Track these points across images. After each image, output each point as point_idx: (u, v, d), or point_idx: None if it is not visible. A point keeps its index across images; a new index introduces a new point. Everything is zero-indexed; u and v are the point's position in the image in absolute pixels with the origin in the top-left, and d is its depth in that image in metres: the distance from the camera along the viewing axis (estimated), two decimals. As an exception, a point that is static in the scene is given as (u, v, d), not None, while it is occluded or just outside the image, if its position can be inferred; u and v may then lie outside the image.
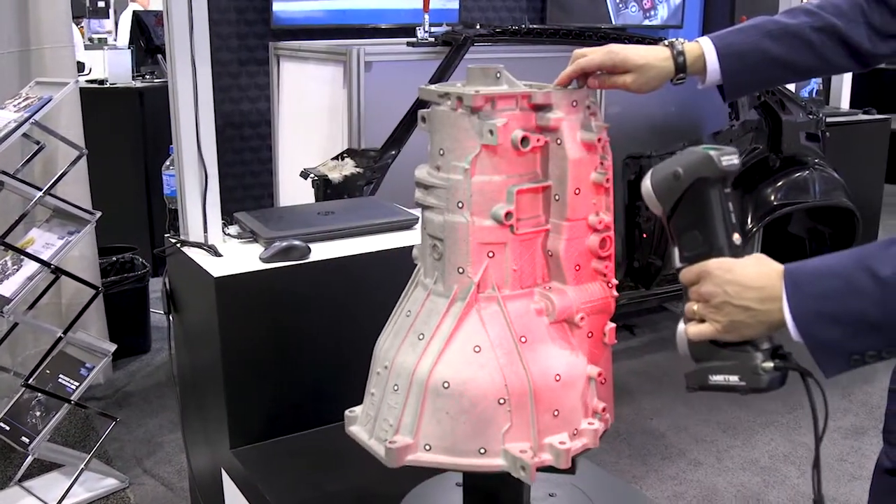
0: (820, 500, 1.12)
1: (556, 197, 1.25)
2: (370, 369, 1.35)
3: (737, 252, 1.15)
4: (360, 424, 1.35)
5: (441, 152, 1.27)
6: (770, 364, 1.12)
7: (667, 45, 1.40)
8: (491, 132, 1.21)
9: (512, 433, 1.22)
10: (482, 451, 1.22)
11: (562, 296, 1.25)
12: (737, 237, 1.15)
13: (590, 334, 1.28)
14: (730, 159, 1.13)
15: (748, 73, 1.41)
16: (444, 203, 1.26)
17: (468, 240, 1.24)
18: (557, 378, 1.23)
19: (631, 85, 1.39)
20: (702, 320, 1.14)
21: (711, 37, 1.42)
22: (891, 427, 1.49)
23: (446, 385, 1.22)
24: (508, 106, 1.23)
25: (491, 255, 1.24)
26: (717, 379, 1.15)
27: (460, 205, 1.24)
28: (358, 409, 1.37)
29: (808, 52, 1.41)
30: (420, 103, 1.31)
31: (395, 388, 1.27)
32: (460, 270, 1.25)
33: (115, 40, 6.89)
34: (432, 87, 1.28)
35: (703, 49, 1.40)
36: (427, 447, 1.24)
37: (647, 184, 1.18)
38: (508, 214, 1.22)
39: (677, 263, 1.18)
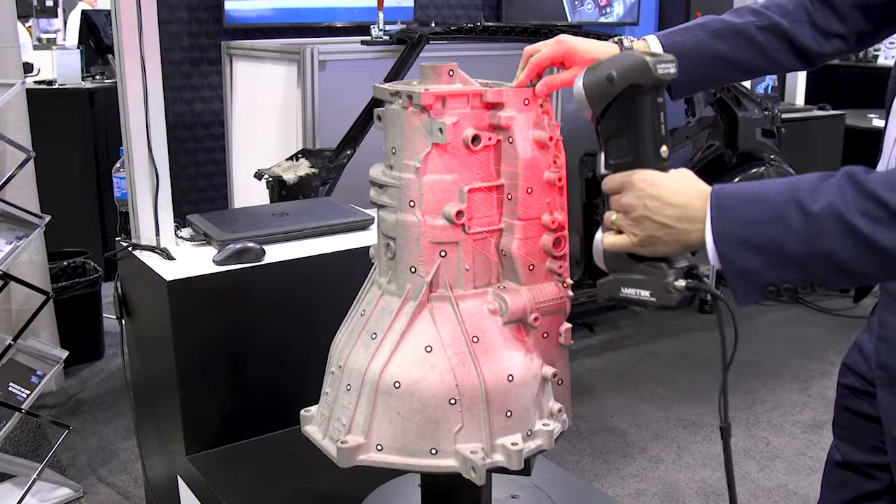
0: (727, 426, 1.11)
1: (509, 196, 1.25)
2: (326, 369, 1.34)
3: (662, 165, 1.12)
4: (315, 424, 1.34)
5: (393, 151, 1.25)
6: (682, 283, 1.10)
7: (616, 42, 1.41)
8: (441, 130, 1.20)
9: (464, 434, 1.21)
10: (434, 451, 1.21)
11: (515, 296, 1.24)
12: (664, 150, 1.12)
13: (545, 335, 1.27)
14: (666, 67, 1.09)
15: (695, 71, 1.42)
16: (397, 202, 1.24)
17: (420, 239, 1.23)
18: (510, 378, 1.22)
19: None
20: (620, 231, 1.12)
21: (658, 35, 1.43)
22: (840, 421, 1.52)
23: (397, 385, 1.21)
24: (459, 104, 1.22)
25: (443, 254, 1.23)
26: (629, 292, 1.14)
27: (412, 204, 1.23)
28: (313, 409, 1.36)
29: (754, 50, 1.42)
30: (375, 102, 1.30)
31: (348, 387, 1.26)
32: (412, 270, 1.24)
33: (64, 40, 6.76)
34: (385, 85, 1.27)
35: (651, 46, 1.41)
36: (379, 447, 1.23)
37: (579, 84, 1.14)
38: (459, 213, 1.21)
39: (602, 170, 1.15)
